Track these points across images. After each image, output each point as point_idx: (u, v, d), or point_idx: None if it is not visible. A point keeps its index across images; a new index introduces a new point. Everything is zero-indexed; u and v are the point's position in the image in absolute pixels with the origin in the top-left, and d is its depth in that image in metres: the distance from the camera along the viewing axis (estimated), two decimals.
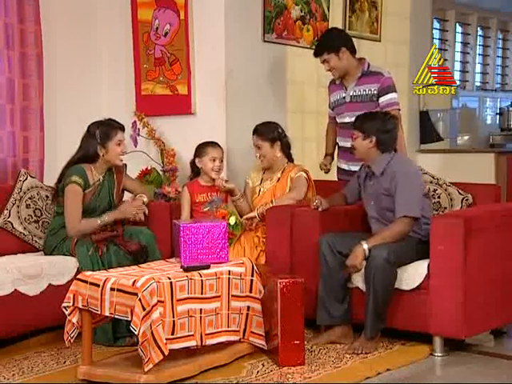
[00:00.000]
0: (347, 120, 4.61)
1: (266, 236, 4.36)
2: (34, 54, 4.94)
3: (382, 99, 4.58)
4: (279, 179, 4.66)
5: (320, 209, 4.13)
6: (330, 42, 4.67)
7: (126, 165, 4.52)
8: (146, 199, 4.44)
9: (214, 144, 4.67)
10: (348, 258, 3.87)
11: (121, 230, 4.27)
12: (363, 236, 4.04)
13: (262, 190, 4.68)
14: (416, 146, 6.76)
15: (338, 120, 4.78)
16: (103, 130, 4.29)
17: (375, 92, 4.59)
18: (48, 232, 4.36)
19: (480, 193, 4.42)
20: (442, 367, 3.74)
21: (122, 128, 4.37)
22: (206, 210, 4.61)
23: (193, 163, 4.72)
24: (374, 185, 4.10)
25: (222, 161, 4.66)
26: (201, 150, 4.66)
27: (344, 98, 4.68)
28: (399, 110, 4.63)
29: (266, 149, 4.62)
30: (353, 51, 4.67)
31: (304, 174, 4.61)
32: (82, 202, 4.24)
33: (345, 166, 4.78)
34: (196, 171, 4.71)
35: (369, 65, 4.67)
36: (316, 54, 4.69)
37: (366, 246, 3.84)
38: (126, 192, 4.61)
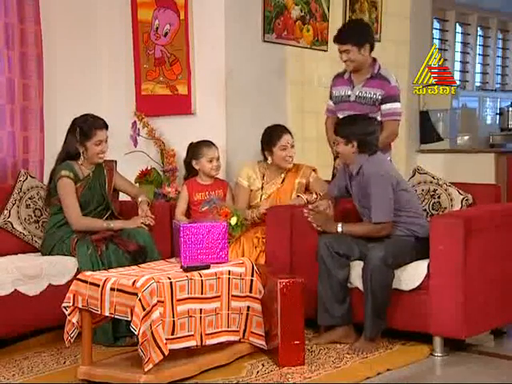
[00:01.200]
0: None
1: (266, 236, 4.36)
2: (34, 54, 4.94)
3: (384, 107, 4.52)
4: (283, 180, 4.65)
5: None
6: (358, 35, 4.57)
7: (116, 161, 4.52)
8: (146, 198, 4.44)
9: (208, 144, 4.66)
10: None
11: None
12: (361, 237, 4.05)
13: (263, 196, 4.65)
14: (416, 146, 6.76)
15: (340, 115, 4.74)
16: (83, 129, 4.28)
17: (379, 97, 4.52)
18: (45, 232, 4.36)
19: (480, 193, 4.42)
20: (442, 367, 3.74)
21: (104, 127, 4.33)
22: (204, 209, 4.61)
23: (187, 163, 4.71)
24: (356, 184, 4.11)
25: (218, 159, 4.66)
26: (196, 151, 4.65)
27: (349, 96, 4.63)
28: (399, 120, 4.60)
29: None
30: (372, 49, 4.63)
31: (316, 174, 4.69)
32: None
33: None
34: (191, 170, 4.71)
35: (379, 67, 4.60)
36: (340, 42, 4.55)
37: (339, 226, 4.02)
38: (124, 193, 4.61)
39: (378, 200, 3.96)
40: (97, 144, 4.29)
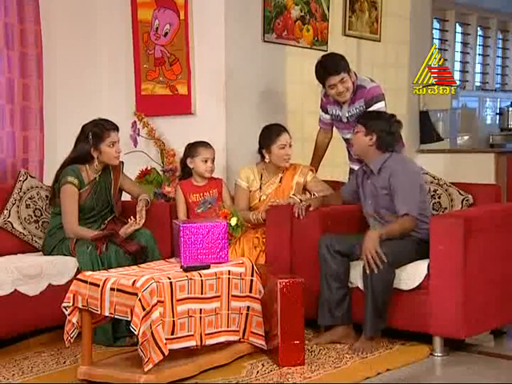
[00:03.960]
0: (349, 136, 4.58)
1: (266, 236, 4.36)
2: (33, 54, 4.93)
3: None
4: (281, 179, 4.65)
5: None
6: (344, 63, 4.53)
7: (123, 162, 4.52)
8: (146, 198, 4.45)
9: (205, 144, 4.66)
10: (363, 243, 3.83)
11: (120, 229, 4.26)
12: (359, 236, 4.05)
13: (262, 197, 4.64)
14: (416, 146, 6.76)
15: (340, 133, 4.81)
16: (95, 133, 4.27)
17: (364, 107, 4.54)
18: (47, 233, 4.36)
19: (480, 193, 4.42)
20: (442, 367, 3.74)
21: (116, 128, 4.34)
22: (199, 211, 4.61)
23: (183, 163, 4.71)
24: (372, 183, 4.11)
25: (213, 161, 4.65)
26: (192, 150, 4.65)
27: (340, 116, 4.67)
28: None
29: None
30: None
31: (313, 174, 4.68)
32: (78, 202, 4.25)
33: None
34: (187, 171, 4.70)
35: (356, 78, 4.60)
36: (334, 73, 4.47)
37: (378, 232, 3.86)
38: (124, 193, 4.61)
39: (405, 193, 3.94)
40: (110, 146, 4.28)
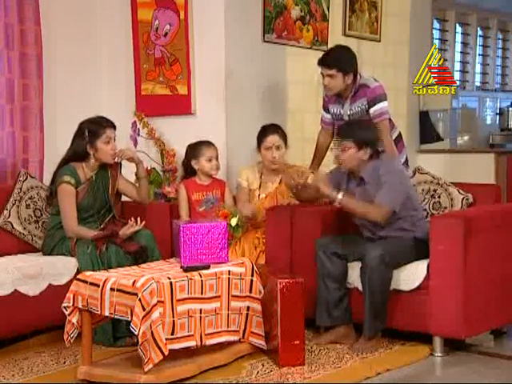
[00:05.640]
0: None
1: (266, 236, 4.36)
2: (33, 54, 4.93)
3: (371, 110, 4.48)
4: (281, 180, 4.65)
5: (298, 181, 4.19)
6: (344, 62, 4.46)
7: (120, 164, 4.51)
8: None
9: (207, 143, 4.66)
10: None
11: (120, 229, 4.26)
12: (357, 237, 4.05)
13: (261, 196, 4.65)
14: (416, 146, 6.76)
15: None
16: (91, 129, 4.27)
17: (366, 105, 4.51)
18: (46, 233, 4.37)
19: (480, 193, 4.42)
20: (442, 367, 3.74)
21: (112, 125, 4.33)
22: (201, 209, 4.60)
23: (186, 163, 4.70)
24: (363, 191, 4.05)
25: (217, 158, 4.65)
26: (196, 151, 4.64)
27: (342, 115, 4.64)
28: (389, 119, 4.57)
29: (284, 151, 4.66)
30: (356, 75, 4.52)
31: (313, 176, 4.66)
32: (75, 201, 4.24)
33: None
34: (190, 171, 4.70)
35: (360, 77, 4.55)
36: (325, 65, 4.46)
37: (340, 195, 3.94)
38: (126, 196, 4.61)
39: (391, 187, 3.92)
40: (106, 142, 4.28)
